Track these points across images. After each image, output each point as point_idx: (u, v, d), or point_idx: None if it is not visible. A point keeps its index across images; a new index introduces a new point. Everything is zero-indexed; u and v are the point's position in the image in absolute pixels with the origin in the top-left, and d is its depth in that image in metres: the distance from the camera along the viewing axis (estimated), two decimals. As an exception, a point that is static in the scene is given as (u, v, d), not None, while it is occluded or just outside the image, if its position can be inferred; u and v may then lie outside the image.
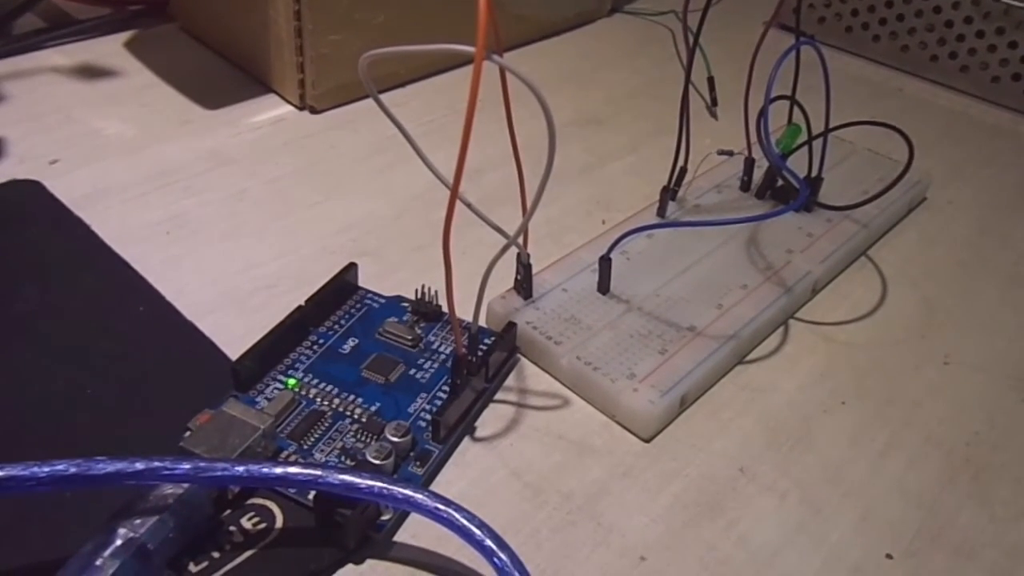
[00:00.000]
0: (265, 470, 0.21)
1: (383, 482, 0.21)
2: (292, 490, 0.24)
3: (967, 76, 0.50)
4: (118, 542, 0.20)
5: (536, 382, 0.29)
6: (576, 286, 0.31)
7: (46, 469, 0.20)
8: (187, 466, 0.21)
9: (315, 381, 0.27)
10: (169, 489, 0.22)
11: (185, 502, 0.22)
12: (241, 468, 0.21)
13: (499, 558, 0.20)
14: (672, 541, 0.25)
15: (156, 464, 0.21)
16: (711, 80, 0.47)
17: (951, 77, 0.50)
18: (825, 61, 0.33)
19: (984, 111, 0.49)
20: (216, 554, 0.22)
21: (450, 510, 0.21)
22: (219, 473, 0.21)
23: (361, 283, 0.31)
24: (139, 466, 0.21)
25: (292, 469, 0.21)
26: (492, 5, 0.20)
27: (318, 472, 0.21)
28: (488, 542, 0.21)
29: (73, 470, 0.20)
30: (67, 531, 0.22)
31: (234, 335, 0.29)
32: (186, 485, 0.22)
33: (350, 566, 0.23)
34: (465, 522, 0.21)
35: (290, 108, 0.43)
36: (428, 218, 0.36)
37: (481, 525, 0.21)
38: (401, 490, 0.21)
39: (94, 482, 0.20)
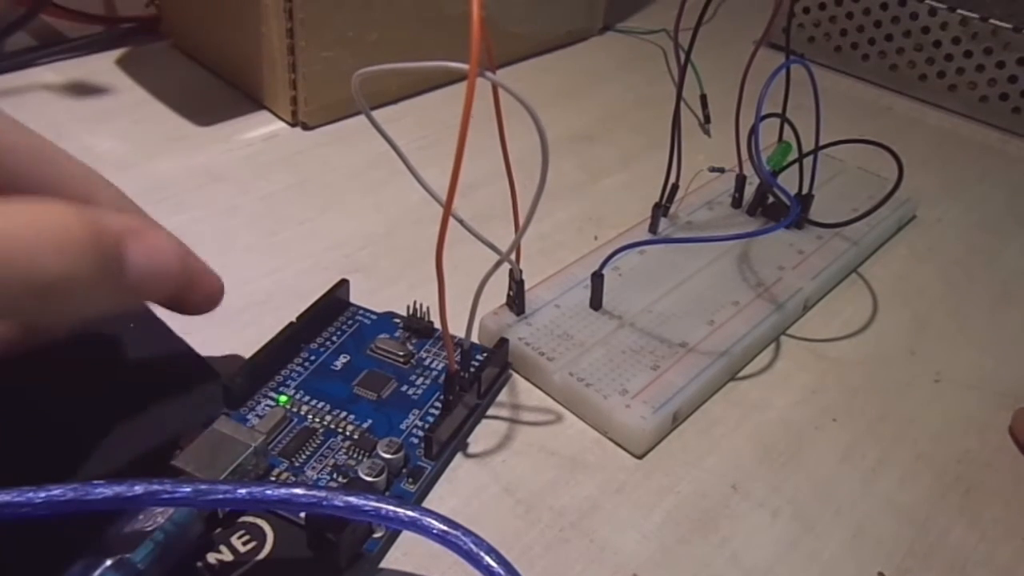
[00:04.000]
0: (269, 492, 0.21)
1: (390, 504, 0.21)
2: (283, 508, 0.24)
3: (955, 95, 0.50)
4: (108, 562, 0.20)
5: (528, 398, 0.29)
6: (568, 302, 0.32)
7: (42, 494, 0.19)
8: (188, 489, 0.20)
9: (307, 398, 0.27)
10: (160, 508, 0.21)
11: (176, 522, 0.21)
12: (243, 491, 0.21)
13: None
14: (665, 558, 0.24)
15: (156, 487, 0.20)
16: (704, 97, 0.47)
17: (939, 96, 0.51)
18: (815, 80, 0.33)
19: (973, 130, 0.49)
20: (207, 574, 0.22)
21: (458, 533, 0.21)
22: (221, 496, 0.21)
23: (353, 299, 0.31)
24: (138, 490, 0.20)
25: (296, 491, 0.21)
26: (485, 23, 0.20)
27: (322, 494, 0.21)
28: (497, 568, 0.20)
29: (71, 495, 0.19)
30: (56, 551, 0.22)
31: (225, 351, 0.29)
32: (176, 503, 0.22)
33: (341, 584, 0.23)
34: (473, 547, 0.21)
35: (282, 124, 0.43)
36: (420, 234, 0.36)
37: (490, 550, 0.21)
38: (408, 512, 0.21)
39: (92, 507, 0.20)
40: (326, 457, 0.25)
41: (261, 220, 0.36)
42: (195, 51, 0.48)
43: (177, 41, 0.49)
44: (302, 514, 0.23)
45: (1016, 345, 0.34)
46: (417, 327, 0.30)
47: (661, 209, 0.36)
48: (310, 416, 0.27)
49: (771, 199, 0.37)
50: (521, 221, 0.25)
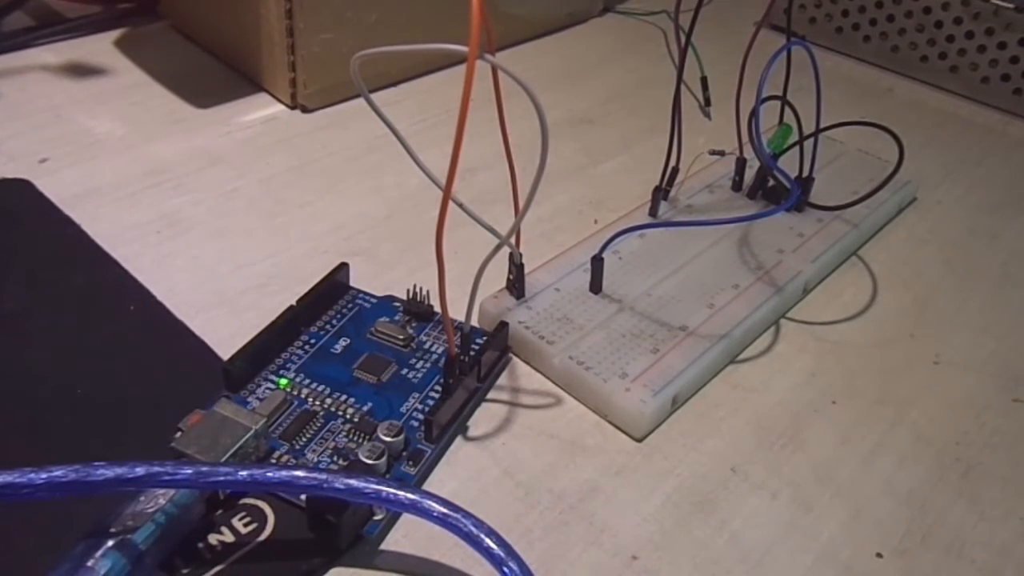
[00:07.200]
0: (270, 474, 0.21)
1: (390, 487, 0.21)
2: (284, 490, 0.24)
3: (956, 76, 0.50)
4: (109, 543, 0.20)
5: (528, 382, 0.29)
6: (568, 286, 0.32)
7: (43, 475, 0.20)
8: (189, 471, 0.21)
9: (307, 381, 0.27)
10: (161, 490, 0.22)
11: (177, 503, 0.22)
12: (244, 473, 0.21)
13: (509, 567, 0.20)
14: (664, 540, 0.25)
15: (157, 469, 0.20)
16: (704, 80, 0.47)
17: (941, 78, 0.51)
18: (816, 61, 0.33)
19: (973, 111, 0.49)
20: (208, 555, 0.22)
21: (458, 516, 0.21)
22: (222, 478, 0.21)
23: (353, 283, 0.31)
24: (140, 471, 0.20)
25: (297, 473, 0.21)
26: (485, 4, 0.20)
27: (323, 477, 0.21)
28: (497, 550, 0.20)
29: (72, 476, 0.20)
30: (58, 532, 0.22)
31: (225, 335, 0.29)
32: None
33: (342, 567, 0.23)
34: (473, 529, 0.21)
35: (281, 107, 0.43)
36: (420, 218, 0.36)
37: (490, 532, 0.21)
38: (408, 495, 0.21)
39: (93, 488, 0.20)
40: (326, 440, 0.26)
41: (260, 203, 0.36)
42: (193, 32, 0.48)
43: (175, 22, 0.49)
44: (303, 496, 0.23)
45: (1015, 327, 0.34)
46: (417, 311, 0.30)
47: (661, 192, 0.36)
48: (310, 399, 0.27)
49: (771, 182, 0.37)
50: (521, 204, 0.25)
